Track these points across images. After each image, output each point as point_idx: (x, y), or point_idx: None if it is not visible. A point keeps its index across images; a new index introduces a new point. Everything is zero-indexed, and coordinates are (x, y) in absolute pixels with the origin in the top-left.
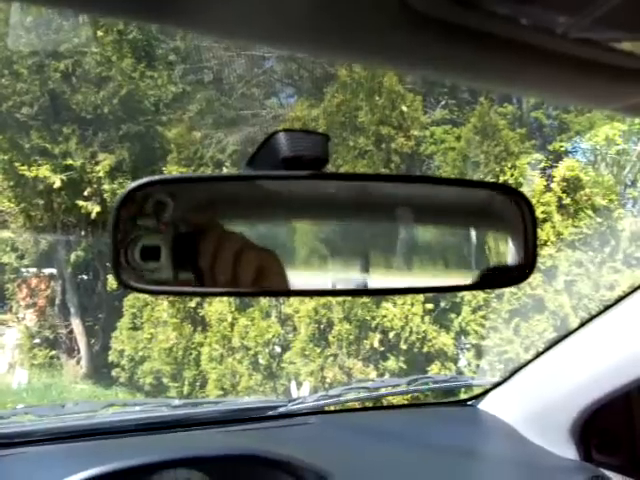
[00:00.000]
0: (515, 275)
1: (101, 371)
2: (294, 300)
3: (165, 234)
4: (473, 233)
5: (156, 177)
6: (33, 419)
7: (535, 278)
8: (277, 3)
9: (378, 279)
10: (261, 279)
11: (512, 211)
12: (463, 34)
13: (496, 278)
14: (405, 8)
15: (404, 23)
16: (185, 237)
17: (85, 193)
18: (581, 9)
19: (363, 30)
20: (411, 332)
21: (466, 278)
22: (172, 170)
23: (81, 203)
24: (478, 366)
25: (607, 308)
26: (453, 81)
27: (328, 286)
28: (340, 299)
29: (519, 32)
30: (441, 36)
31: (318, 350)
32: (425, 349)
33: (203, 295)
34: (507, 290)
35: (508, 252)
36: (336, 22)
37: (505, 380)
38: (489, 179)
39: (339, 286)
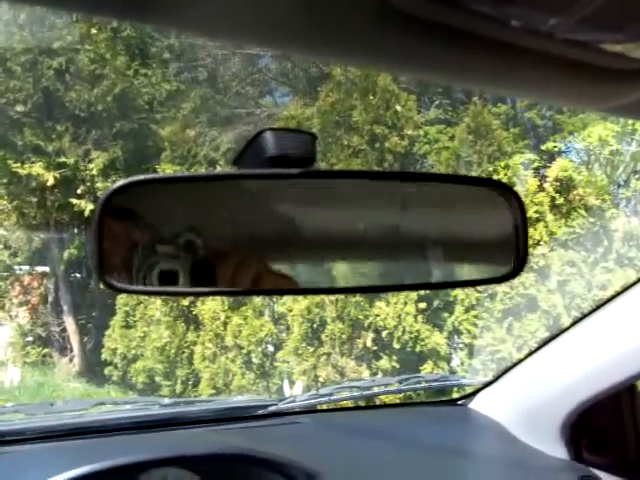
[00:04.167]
0: (506, 272)
1: (94, 369)
2: (287, 299)
3: (183, 259)
4: (465, 229)
5: (134, 178)
6: (23, 417)
7: (528, 277)
8: (262, 2)
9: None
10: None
11: (503, 207)
12: (447, 34)
13: (487, 275)
14: (387, 7)
15: (387, 22)
16: (203, 262)
17: (78, 191)
18: (566, 9)
19: (346, 30)
20: (404, 331)
21: (457, 274)
22: (166, 168)
23: (74, 201)
24: (471, 365)
25: (598, 307)
26: (438, 81)
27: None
28: (333, 297)
29: (504, 32)
30: (425, 36)
31: (311, 349)
32: (418, 348)
33: (199, 295)
34: (500, 289)
35: (499, 248)
36: (319, 21)
37: (496, 379)
38: None
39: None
